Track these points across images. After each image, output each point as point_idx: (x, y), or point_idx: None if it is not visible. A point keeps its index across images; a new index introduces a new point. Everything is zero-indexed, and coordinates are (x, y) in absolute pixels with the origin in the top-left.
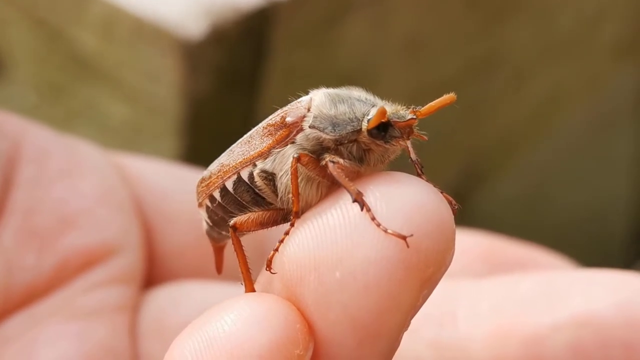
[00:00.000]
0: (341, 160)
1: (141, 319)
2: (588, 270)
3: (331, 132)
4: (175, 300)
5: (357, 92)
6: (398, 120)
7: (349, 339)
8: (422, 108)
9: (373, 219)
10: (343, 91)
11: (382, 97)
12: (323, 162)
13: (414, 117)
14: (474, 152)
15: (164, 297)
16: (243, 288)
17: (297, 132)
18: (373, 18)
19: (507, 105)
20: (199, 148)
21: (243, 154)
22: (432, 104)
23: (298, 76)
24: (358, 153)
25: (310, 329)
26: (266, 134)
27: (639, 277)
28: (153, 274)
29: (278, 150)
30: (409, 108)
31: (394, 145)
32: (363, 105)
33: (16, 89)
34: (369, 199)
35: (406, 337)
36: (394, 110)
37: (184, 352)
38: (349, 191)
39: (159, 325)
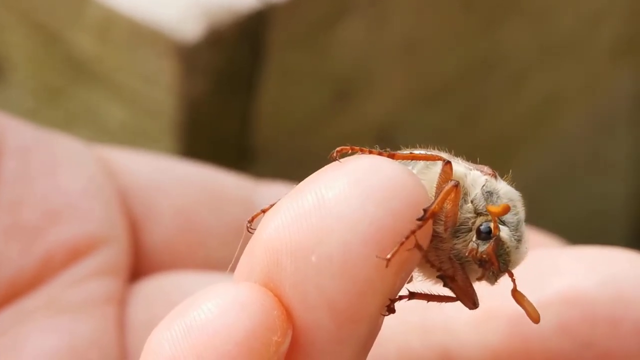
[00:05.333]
0: (459, 197)
1: (129, 311)
2: (575, 247)
3: (475, 189)
4: (163, 292)
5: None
6: (502, 253)
7: (328, 323)
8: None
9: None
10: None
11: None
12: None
13: (508, 274)
14: (472, 153)
15: (151, 289)
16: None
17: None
18: (370, 20)
19: (506, 107)
20: (197, 150)
21: None
22: None
23: (295, 78)
24: (463, 226)
25: (288, 315)
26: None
27: (625, 253)
28: (140, 266)
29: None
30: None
31: (469, 254)
32: (518, 222)
33: (14, 92)
34: (343, 180)
35: (391, 321)
36: (515, 257)
37: (162, 341)
38: (435, 201)
39: (147, 317)
